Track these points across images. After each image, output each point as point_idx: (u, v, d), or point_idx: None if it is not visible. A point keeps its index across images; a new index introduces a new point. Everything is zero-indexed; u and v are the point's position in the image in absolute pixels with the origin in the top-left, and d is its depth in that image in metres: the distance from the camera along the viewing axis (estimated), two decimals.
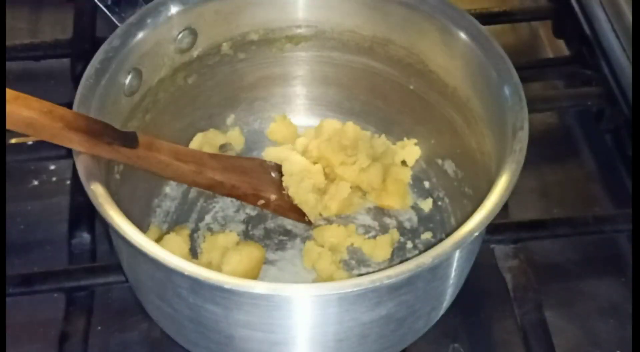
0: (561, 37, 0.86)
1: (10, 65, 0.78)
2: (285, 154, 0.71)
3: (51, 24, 0.88)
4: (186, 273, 0.50)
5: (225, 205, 0.70)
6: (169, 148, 0.61)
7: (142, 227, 0.67)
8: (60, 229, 0.69)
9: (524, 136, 0.57)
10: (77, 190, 0.69)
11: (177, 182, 0.69)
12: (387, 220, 0.70)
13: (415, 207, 0.71)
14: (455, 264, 0.57)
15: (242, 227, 0.69)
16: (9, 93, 0.52)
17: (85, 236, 0.68)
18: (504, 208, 0.54)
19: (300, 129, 0.74)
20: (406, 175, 0.71)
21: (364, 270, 0.67)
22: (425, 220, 0.71)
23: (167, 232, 0.66)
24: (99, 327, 0.65)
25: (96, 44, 0.62)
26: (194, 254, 0.67)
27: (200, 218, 0.70)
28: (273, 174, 0.69)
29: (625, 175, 0.75)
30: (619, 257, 0.71)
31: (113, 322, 0.65)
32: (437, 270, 0.56)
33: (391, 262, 0.68)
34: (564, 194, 0.76)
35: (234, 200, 0.70)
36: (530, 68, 0.82)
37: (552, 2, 0.88)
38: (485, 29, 0.63)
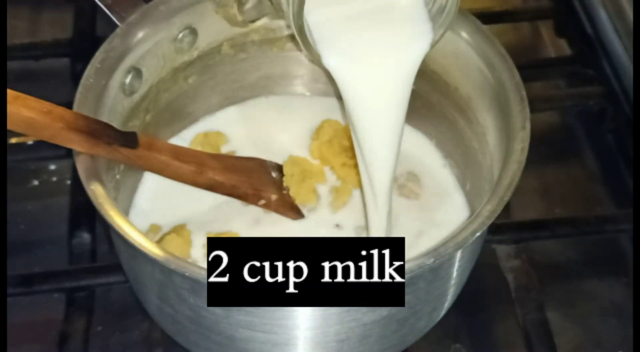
0: (563, 36, 0.86)
1: (11, 65, 0.78)
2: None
3: (51, 23, 0.88)
4: (187, 274, 0.50)
5: None
6: (169, 148, 0.61)
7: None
8: (60, 229, 0.69)
9: (525, 136, 0.56)
10: (78, 190, 0.69)
11: (178, 182, 0.69)
12: None
13: None
14: (457, 265, 0.57)
15: None
16: (9, 93, 0.52)
17: (86, 236, 0.68)
18: (506, 208, 0.54)
19: None
20: None
21: None
22: None
23: (168, 233, 0.66)
24: (100, 328, 0.65)
25: (96, 43, 0.62)
26: None
27: None
28: (274, 174, 0.69)
29: (627, 175, 0.75)
30: (620, 257, 0.71)
31: (113, 323, 0.65)
32: (439, 270, 0.55)
33: None
34: (565, 194, 0.76)
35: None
36: (531, 67, 0.82)
37: (554, 2, 0.88)
38: (486, 28, 0.63)
